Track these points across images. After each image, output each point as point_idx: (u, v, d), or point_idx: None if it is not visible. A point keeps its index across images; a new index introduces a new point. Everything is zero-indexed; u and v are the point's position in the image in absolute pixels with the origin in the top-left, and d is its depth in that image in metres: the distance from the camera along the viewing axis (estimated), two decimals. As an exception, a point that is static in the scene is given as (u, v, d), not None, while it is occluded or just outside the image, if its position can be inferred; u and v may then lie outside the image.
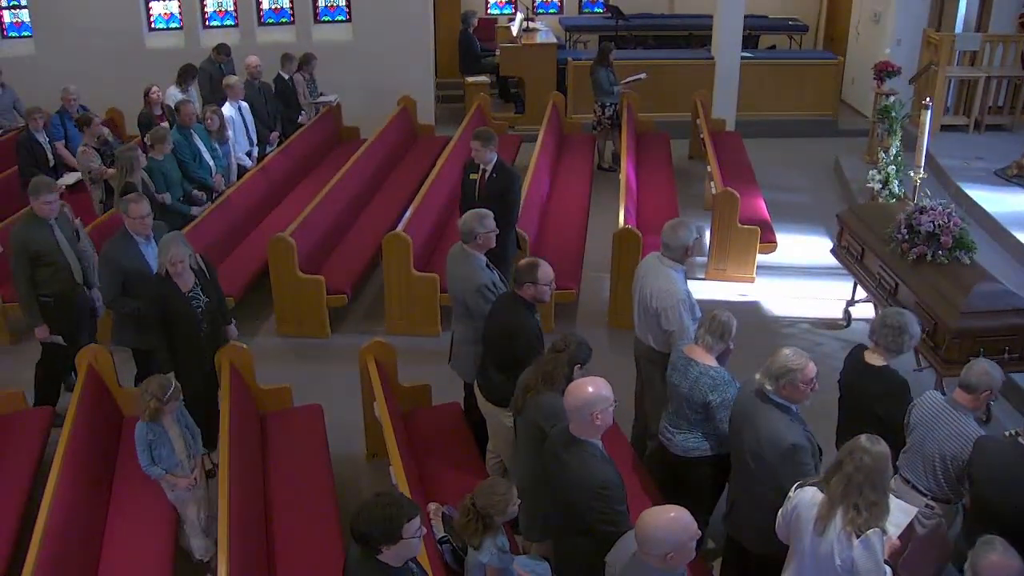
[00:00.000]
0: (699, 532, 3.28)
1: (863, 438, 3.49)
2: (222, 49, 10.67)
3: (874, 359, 4.54)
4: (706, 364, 4.53)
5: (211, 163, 8.46)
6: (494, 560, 3.81)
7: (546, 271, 4.88)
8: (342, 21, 12.90)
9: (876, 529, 3.40)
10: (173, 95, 9.60)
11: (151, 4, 12.64)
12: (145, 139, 8.05)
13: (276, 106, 10.35)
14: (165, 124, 9.08)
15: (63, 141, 9.04)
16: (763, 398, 4.05)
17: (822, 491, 3.55)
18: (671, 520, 3.22)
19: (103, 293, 5.90)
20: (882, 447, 3.46)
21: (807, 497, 3.60)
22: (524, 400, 4.34)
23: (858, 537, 3.39)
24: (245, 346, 5.85)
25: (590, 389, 3.78)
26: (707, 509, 4.82)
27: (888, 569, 3.55)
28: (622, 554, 3.48)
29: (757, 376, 4.10)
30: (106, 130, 9.00)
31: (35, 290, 5.89)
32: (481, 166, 6.80)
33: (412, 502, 3.39)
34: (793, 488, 3.72)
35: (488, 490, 3.86)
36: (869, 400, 4.50)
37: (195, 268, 5.47)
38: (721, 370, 4.54)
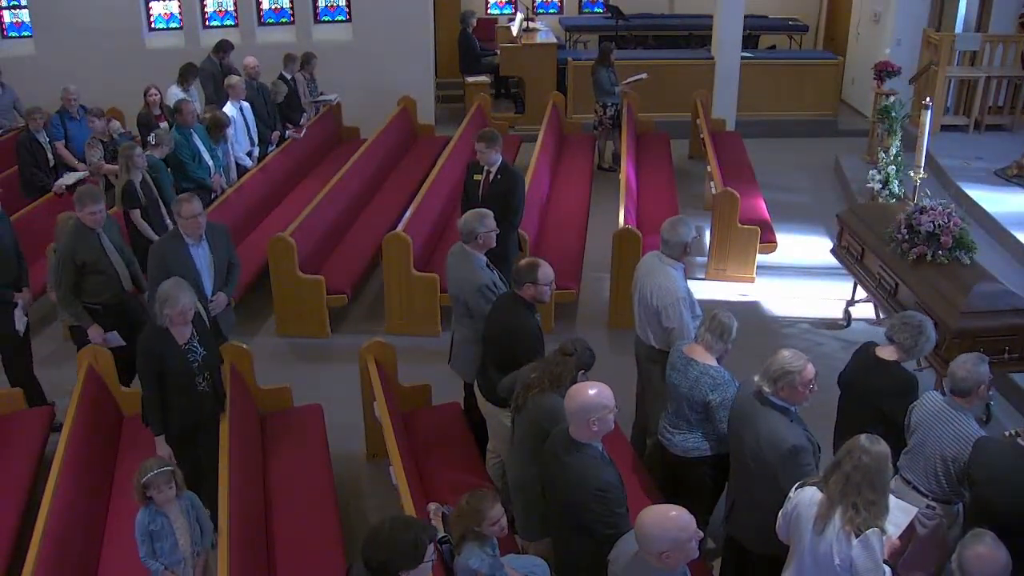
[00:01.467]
0: (699, 532, 3.29)
1: (863, 438, 3.49)
2: (221, 46, 10.63)
3: (886, 355, 4.55)
4: (706, 364, 4.53)
5: (210, 163, 8.47)
6: (483, 566, 3.80)
7: (546, 271, 4.88)
8: (342, 21, 12.89)
9: (875, 529, 3.40)
10: (175, 94, 9.58)
11: (151, 4, 12.64)
12: (150, 138, 8.05)
13: (275, 106, 10.33)
14: (165, 124, 9.09)
15: (63, 141, 9.00)
16: (762, 400, 4.04)
17: (821, 491, 3.55)
18: (669, 518, 3.23)
19: (148, 285, 5.78)
20: (881, 447, 3.45)
21: (807, 497, 3.60)
22: (526, 398, 4.34)
23: (857, 536, 3.39)
24: (245, 346, 5.85)
25: (590, 393, 3.79)
26: (707, 509, 4.82)
27: (887, 569, 3.55)
28: (624, 552, 3.49)
29: (755, 378, 4.10)
30: (116, 124, 8.99)
31: (80, 298, 5.78)
32: (485, 167, 6.78)
33: (428, 524, 3.32)
34: (793, 488, 3.72)
35: (471, 500, 3.85)
36: (875, 395, 4.50)
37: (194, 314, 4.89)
38: (721, 370, 4.54)
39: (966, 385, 4.13)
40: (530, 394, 4.31)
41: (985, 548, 3.19)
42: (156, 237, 6.87)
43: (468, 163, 7.15)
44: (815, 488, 3.59)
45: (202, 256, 5.69)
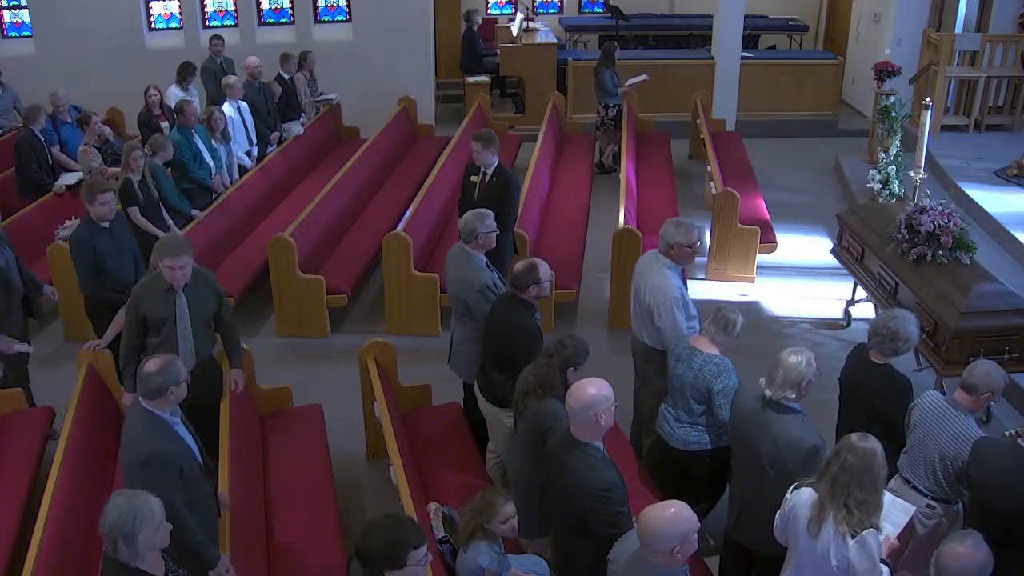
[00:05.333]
0: (699, 523, 3.33)
1: (852, 436, 3.50)
2: (211, 42, 10.61)
3: (877, 358, 4.56)
4: (710, 352, 4.62)
5: (211, 164, 8.46)
6: (493, 564, 3.81)
7: (545, 269, 4.95)
8: (342, 21, 12.90)
9: (872, 529, 3.40)
10: (175, 94, 9.57)
11: (151, 4, 12.64)
12: (145, 149, 8.02)
13: (275, 106, 10.32)
14: (165, 124, 9.07)
15: (57, 146, 8.92)
16: (777, 407, 4.03)
17: (817, 492, 3.55)
18: (673, 515, 3.26)
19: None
20: (869, 444, 3.45)
21: (804, 497, 3.60)
22: (525, 404, 4.35)
23: (853, 537, 3.39)
24: (245, 346, 5.85)
25: (591, 390, 3.80)
26: (708, 500, 4.88)
27: (886, 569, 3.54)
28: (624, 552, 3.50)
29: (764, 387, 4.08)
30: (107, 129, 8.96)
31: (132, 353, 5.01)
32: (482, 169, 6.78)
33: (420, 530, 3.31)
34: (790, 489, 3.72)
35: (485, 495, 3.87)
36: (867, 394, 4.51)
37: None
38: (724, 358, 4.62)
39: (978, 383, 4.10)
40: (528, 400, 4.33)
41: (964, 547, 3.14)
42: (160, 233, 6.86)
43: (466, 165, 7.16)
44: (812, 489, 3.59)
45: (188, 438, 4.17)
